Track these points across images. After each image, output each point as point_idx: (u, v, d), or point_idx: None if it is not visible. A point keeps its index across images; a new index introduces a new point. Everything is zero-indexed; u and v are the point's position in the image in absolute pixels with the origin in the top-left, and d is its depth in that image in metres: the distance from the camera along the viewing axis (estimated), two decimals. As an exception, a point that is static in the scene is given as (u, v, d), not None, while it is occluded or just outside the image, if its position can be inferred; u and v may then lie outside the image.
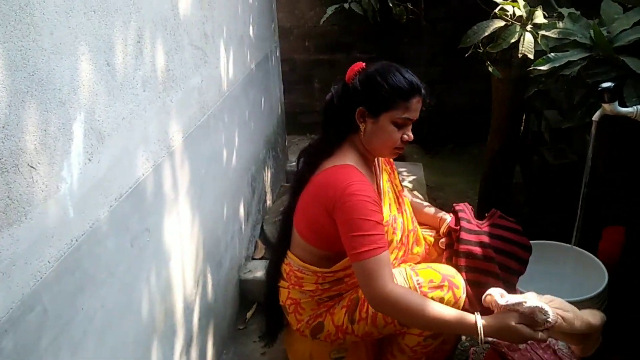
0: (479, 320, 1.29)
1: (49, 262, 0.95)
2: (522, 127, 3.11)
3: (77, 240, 1.03)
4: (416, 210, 1.78)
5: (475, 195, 2.92)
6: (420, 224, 1.76)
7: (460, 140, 4.07)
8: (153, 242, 1.36)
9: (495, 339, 1.51)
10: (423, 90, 1.45)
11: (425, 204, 1.85)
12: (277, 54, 3.04)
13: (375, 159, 1.61)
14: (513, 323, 1.29)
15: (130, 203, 1.24)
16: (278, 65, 3.06)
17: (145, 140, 1.32)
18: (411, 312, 1.31)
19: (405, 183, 2.99)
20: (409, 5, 3.44)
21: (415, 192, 2.82)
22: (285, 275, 1.59)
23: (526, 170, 3.32)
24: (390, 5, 3.32)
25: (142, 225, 1.30)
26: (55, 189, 0.98)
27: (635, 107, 1.57)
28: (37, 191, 0.93)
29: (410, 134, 1.45)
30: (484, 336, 1.28)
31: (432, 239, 1.75)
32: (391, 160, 1.74)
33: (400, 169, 3.17)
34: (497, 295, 1.32)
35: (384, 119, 1.42)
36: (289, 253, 1.59)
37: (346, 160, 1.45)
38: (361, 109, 1.43)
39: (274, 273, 1.64)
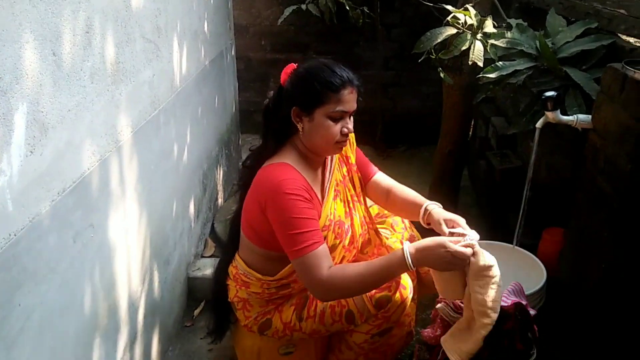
0: (405, 246, 1.33)
1: (-16, 256, 0.91)
2: (470, 132, 3.22)
3: (15, 235, 0.99)
4: (399, 203, 1.69)
5: (425, 197, 3.00)
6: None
7: (412, 143, 4.15)
8: (97, 238, 1.32)
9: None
10: (356, 81, 1.44)
11: (410, 193, 1.71)
12: (233, 52, 3.02)
13: (327, 160, 1.59)
14: (437, 240, 1.34)
15: (74, 198, 1.20)
16: (233, 63, 3.03)
17: (91, 134, 1.28)
18: (353, 286, 1.36)
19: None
20: (366, 10, 3.49)
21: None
22: (232, 277, 1.59)
23: (474, 173, 3.44)
24: (347, 8, 3.36)
25: (86, 220, 1.26)
26: (-7, 181, 0.94)
27: (575, 116, 1.67)
28: (-27, 183, 0.89)
29: (350, 126, 1.44)
30: (412, 260, 1.31)
31: (385, 239, 1.75)
32: (351, 162, 1.69)
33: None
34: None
35: (319, 115, 1.41)
36: (236, 256, 1.59)
37: (282, 159, 1.45)
38: (295, 109, 1.42)
39: (223, 272, 1.64)
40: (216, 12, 2.56)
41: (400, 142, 4.16)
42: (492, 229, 2.76)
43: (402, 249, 1.34)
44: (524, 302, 1.50)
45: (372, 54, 3.88)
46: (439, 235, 1.47)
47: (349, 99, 1.42)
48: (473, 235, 1.41)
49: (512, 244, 1.96)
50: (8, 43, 0.97)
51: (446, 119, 2.69)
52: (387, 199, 1.71)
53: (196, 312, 2.06)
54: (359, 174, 1.72)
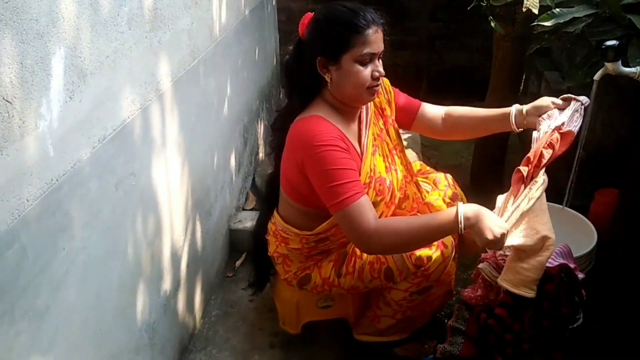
0: (460, 208, 1.26)
1: (27, 200, 0.92)
2: (521, 87, 3.06)
3: (57, 180, 1.00)
4: (469, 122, 1.66)
5: (470, 155, 2.89)
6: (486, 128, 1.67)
7: (459, 98, 3.99)
8: (139, 186, 1.33)
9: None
10: (380, 19, 1.33)
11: (476, 110, 1.69)
12: (273, 2, 2.93)
13: (362, 113, 1.50)
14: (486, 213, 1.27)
15: (115, 145, 1.20)
16: (274, 13, 2.96)
17: (131, 81, 1.27)
18: (399, 241, 1.30)
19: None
20: (411, -46, 3.30)
21: (410, 150, 2.79)
22: (272, 233, 1.58)
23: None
24: (394, -47, 3.19)
25: (128, 169, 1.27)
26: (34, 125, 0.94)
27: (638, 68, 1.53)
28: (14, 126, 0.89)
29: (381, 69, 1.35)
30: (465, 224, 1.25)
31: (426, 193, 1.70)
32: (387, 113, 1.61)
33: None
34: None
35: (346, 61, 1.31)
36: (275, 213, 1.58)
37: (312, 112, 1.38)
38: (321, 59, 1.33)
39: (261, 228, 1.64)
40: (257, -41, 2.48)
41: (446, 98, 4.00)
42: (549, 189, 2.64)
43: (457, 210, 1.25)
44: (571, 265, 1.43)
45: (419, 4, 3.70)
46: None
47: (376, 39, 1.31)
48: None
49: (561, 204, 1.87)
50: (42, -16, 0.95)
51: (495, 74, 2.54)
52: (445, 121, 1.65)
53: (238, 263, 2.10)
54: (395, 125, 1.64)
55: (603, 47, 1.54)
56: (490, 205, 1.71)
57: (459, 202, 1.31)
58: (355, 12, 1.31)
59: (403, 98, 1.65)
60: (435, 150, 3.32)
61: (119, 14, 1.21)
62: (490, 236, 1.22)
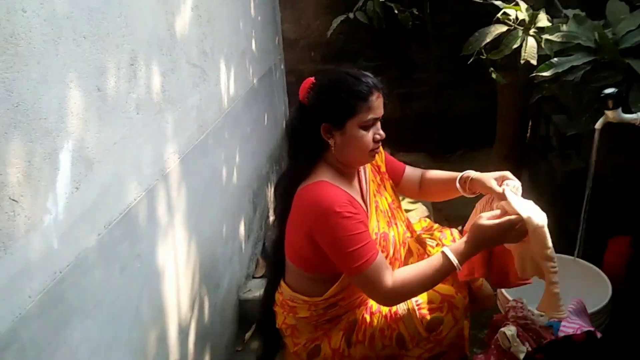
0: (447, 252, 1.33)
1: (29, 296, 0.92)
2: (528, 133, 3.05)
3: (61, 272, 1.00)
4: (433, 184, 1.68)
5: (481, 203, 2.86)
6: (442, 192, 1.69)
7: (470, 145, 3.99)
8: (144, 268, 1.33)
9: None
10: (380, 85, 1.38)
11: (439, 173, 1.73)
12: (282, 67, 3.02)
13: (361, 171, 1.54)
14: (482, 221, 1.32)
15: (120, 230, 1.21)
16: (282, 77, 3.04)
17: (137, 164, 1.30)
18: (416, 291, 1.36)
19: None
20: (415, 11, 3.39)
21: (420, 204, 2.77)
22: (279, 303, 1.56)
23: (534, 176, 3.26)
24: (396, 12, 3.28)
25: (133, 251, 1.27)
26: (39, 220, 0.95)
27: (639, 114, 1.52)
28: (19, 224, 0.90)
29: (381, 132, 1.39)
30: (458, 257, 1.31)
31: (431, 249, 1.69)
32: (382, 170, 1.65)
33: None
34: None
35: (351, 127, 1.35)
36: (281, 282, 1.56)
37: (318, 177, 1.39)
38: (325, 125, 1.36)
39: (269, 298, 1.61)
40: (264, 29, 2.57)
41: (457, 146, 4.01)
42: (553, 237, 2.58)
43: (443, 251, 1.33)
44: (592, 328, 1.38)
45: (425, 56, 3.78)
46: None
47: (378, 104, 1.37)
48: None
49: (573, 255, 1.81)
50: (53, 84, 0.98)
51: (501, 121, 2.55)
52: (420, 186, 1.68)
53: (247, 335, 2.05)
54: (391, 181, 1.67)
55: (602, 95, 1.54)
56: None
57: (444, 247, 1.36)
58: (360, 80, 1.35)
59: (390, 160, 1.69)
60: (447, 202, 3.28)
61: (127, 100, 1.25)
62: (497, 240, 1.33)
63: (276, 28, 2.88)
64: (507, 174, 1.50)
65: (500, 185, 1.45)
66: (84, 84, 1.08)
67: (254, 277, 2.26)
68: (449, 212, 3.11)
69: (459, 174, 1.59)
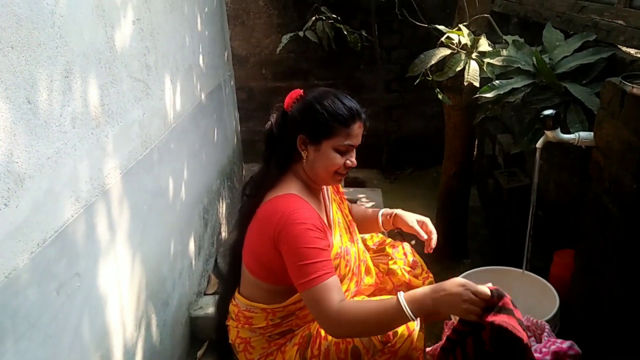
0: (400, 296, 1.24)
1: (-49, 320, 0.87)
2: (474, 152, 3.15)
3: (-12, 294, 0.95)
4: (359, 218, 1.74)
5: (433, 220, 2.92)
6: (366, 231, 1.75)
7: (419, 164, 4.11)
8: (84, 287, 1.28)
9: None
10: (363, 115, 1.43)
11: (370, 209, 1.80)
12: (232, 83, 3.01)
13: (324, 189, 1.58)
14: (461, 291, 1.20)
15: (57, 248, 1.16)
16: (233, 94, 3.03)
17: (74, 180, 1.25)
18: (360, 326, 1.27)
19: (363, 210, 2.98)
20: (364, 33, 3.48)
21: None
22: (233, 316, 1.54)
23: (483, 193, 3.36)
24: (345, 33, 3.36)
25: (71, 270, 1.22)
26: (-38, 239, 0.91)
27: (577, 134, 1.60)
28: (-61, 243, 0.86)
29: (354, 160, 1.43)
30: (411, 308, 1.21)
31: (385, 267, 1.72)
32: (340, 190, 1.72)
33: (360, 195, 3.17)
34: None
35: (326, 146, 1.39)
36: (236, 294, 1.54)
37: (289, 189, 1.41)
38: (302, 137, 1.40)
39: (223, 311, 1.59)
40: (212, 44, 2.56)
41: (406, 164, 4.11)
42: (503, 251, 2.67)
43: (396, 297, 1.25)
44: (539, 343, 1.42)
45: (374, 77, 3.87)
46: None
47: (357, 133, 1.42)
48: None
49: (521, 268, 1.88)
50: (-23, 95, 0.95)
51: (449, 140, 2.63)
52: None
53: (199, 353, 2.00)
54: (347, 202, 1.73)
55: (541, 116, 1.62)
56: (454, 273, 1.73)
57: (398, 292, 1.28)
58: (344, 104, 1.39)
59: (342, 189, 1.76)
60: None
61: (61, 114, 1.21)
62: (460, 306, 1.19)
63: (225, 44, 2.88)
64: (427, 221, 1.62)
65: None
66: (12, 95, 1.04)
67: (205, 294, 2.21)
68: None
69: (381, 210, 1.69)
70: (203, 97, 2.36)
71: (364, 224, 1.75)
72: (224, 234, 2.61)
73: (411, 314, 1.22)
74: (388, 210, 1.68)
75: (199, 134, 2.26)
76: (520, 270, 1.85)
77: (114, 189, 1.44)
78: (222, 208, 2.61)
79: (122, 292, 1.48)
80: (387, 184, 3.86)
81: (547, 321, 1.62)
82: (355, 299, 1.54)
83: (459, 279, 1.25)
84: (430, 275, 1.76)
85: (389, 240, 1.86)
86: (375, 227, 1.73)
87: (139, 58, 1.64)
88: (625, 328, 1.38)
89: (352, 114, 1.39)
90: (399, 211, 1.67)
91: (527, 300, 1.79)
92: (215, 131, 2.55)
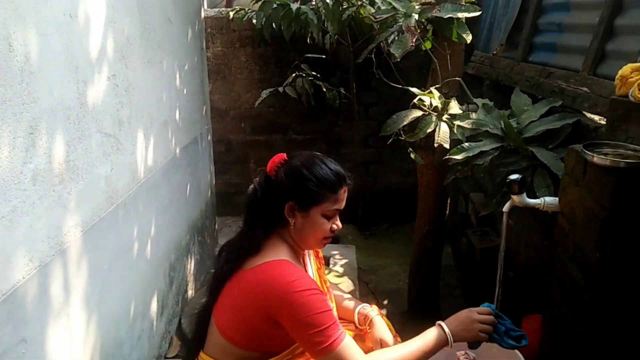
0: (444, 325, 1.37)
1: None
2: (447, 210, 3.17)
3: None
4: (337, 303, 1.71)
5: (407, 277, 2.90)
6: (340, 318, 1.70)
7: (394, 220, 4.11)
8: (30, 354, 1.21)
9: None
10: (348, 180, 1.44)
11: (346, 296, 1.79)
12: (209, 137, 3.02)
13: (306, 253, 1.55)
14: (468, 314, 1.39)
15: (3, 312, 1.10)
16: (209, 147, 3.03)
17: (30, 239, 1.21)
18: None
19: (336, 267, 2.94)
20: (342, 90, 3.57)
21: (346, 278, 2.76)
22: None
23: (456, 251, 3.36)
24: (324, 89, 3.44)
25: (17, 335, 1.16)
26: None
27: (542, 199, 1.62)
28: None
29: (339, 223, 1.43)
30: (453, 336, 1.35)
31: (352, 333, 1.68)
32: (320, 255, 1.69)
33: (333, 252, 3.13)
34: None
35: (315, 213, 1.38)
36: (202, 355, 1.47)
37: (279, 255, 1.38)
38: (291, 204, 1.38)
39: None
40: (190, 99, 2.58)
41: (382, 220, 4.12)
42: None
43: (440, 326, 1.36)
44: None
45: (351, 133, 3.94)
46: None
47: (344, 198, 1.42)
48: None
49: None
50: None
51: (422, 198, 2.65)
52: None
53: (157, 421, 1.89)
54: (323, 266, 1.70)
55: (507, 181, 1.64)
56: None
57: (438, 323, 1.39)
58: (337, 174, 1.40)
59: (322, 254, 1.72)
60: (373, 275, 3.31)
61: (22, 171, 1.18)
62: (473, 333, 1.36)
63: (204, 99, 2.90)
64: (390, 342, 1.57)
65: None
66: (-31, 154, 1.02)
67: (166, 358, 2.11)
68: (375, 285, 3.13)
69: (360, 306, 1.67)
70: (177, 151, 2.35)
71: (338, 309, 1.69)
72: (190, 292, 2.53)
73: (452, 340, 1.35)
74: (364, 310, 1.64)
75: (170, 188, 2.24)
76: (486, 337, 1.81)
77: (72, 247, 1.39)
78: (191, 265, 2.55)
79: (72, 358, 1.40)
80: (362, 240, 3.84)
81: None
82: None
83: (465, 311, 1.39)
84: (399, 338, 1.72)
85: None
86: (347, 316, 1.70)
87: (111, 113, 1.64)
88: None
89: (339, 179, 1.39)
90: (375, 318, 1.62)
91: (495, 367, 1.75)
92: (188, 185, 2.53)
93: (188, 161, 2.54)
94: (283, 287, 1.29)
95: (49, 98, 1.29)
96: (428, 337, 1.35)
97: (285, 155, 1.46)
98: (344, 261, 3.00)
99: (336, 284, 1.84)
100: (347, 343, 1.29)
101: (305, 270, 1.52)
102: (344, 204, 1.43)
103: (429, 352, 1.35)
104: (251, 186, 1.47)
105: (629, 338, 1.28)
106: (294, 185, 1.38)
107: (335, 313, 1.52)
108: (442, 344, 1.35)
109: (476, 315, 1.37)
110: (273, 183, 1.42)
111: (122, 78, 1.72)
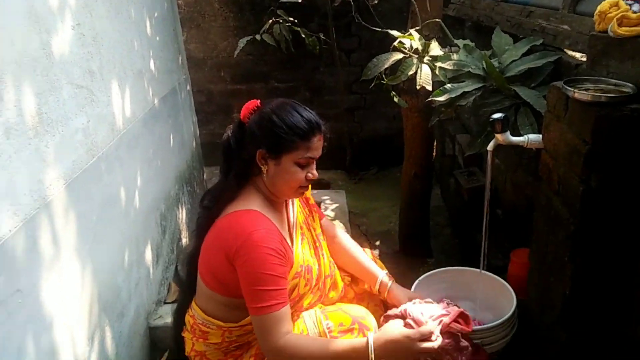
0: (370, 338, 1.31)
1: None
2: (434, 152, 3.19)
3: None
4: (347, 259, 1.70)
5: (397, 219, 2.95)
6: (345, 271, 1.70)
7: (383, 164, 4.13)
8: (27, 303, 1.22)
9: None
10: (323, 127, 1.41)
11: (359, 252, 1.72)
12: (188, 87, 2.95)
13: (289, 202, 1.55)
14: (398, 334, 1.32)
15: (-8, 265, 1.10)
16: (189, 98, 2.97)
17: (11, 193, 1.19)
18: None
19: (327, 212, 2.97)
20: (322, 36, 3.48)
21: (338, 221, 2.80)
22: (189, 327, 1.50)
23: (445, 192, 3.41)
24: (303, 35, 3.35)
25: (11, 287, 1.16)
26: None
27: (526, 137, 1.62)
28: None
29: (315, 172, 1.41)
30: (374, 354, 1.29)
31: (348, 279, 1.71)
32: (311, 202, 1.68)
33: (324, 197, 3.15)
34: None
35: (286, 160, 1.36)
36: (193, 304, 1.50)
37: (250, 204, 1.38)
38: (262, 151, 1.37)
39: (180, 321, 1.55)
40: (164, 48, 2.50)
41: (370, 165, 4.13)
42: (466, 250, 2.71)
43: (367, 341, 1.31)
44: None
45: (334, 79, 3.88)
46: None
47: (318, 146, 1.40)
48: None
49: (479, 268, 1.90)
50: None
51: (408, 142, 2.65)
52: (332, 245, 1.70)
53: (159, 363, 1.95)
54: (318, 214, 1.69)
55: (490, 120, 1.64)
56: (418, 272, 1.72)
57: (368, 333, 1.36)
58: (304, 117, 1.37)
59: (313, 200, 1.71)
60: (364, 218, 3.36)
61: (-7, 125, 1.15)
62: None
63: (179, 48, 2.81)
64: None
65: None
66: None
67: (165, 303, 2.15)
68: (366, 228, 3.18)
69: (379, 274, 1.65)
70: (156, 102, 2.30)
71: (352, 268, 1.70)
72: (184, 240, 2.56)
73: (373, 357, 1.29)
74: (386, 282, 1.63)
75: (152, 139, 2.20)
76: (478, 270, 1.86)
77: (57, 200, 1.38)
78: (182, 214, 2.56)
79: (70, 306, 1.42)
80: (351, 185, 3.87)
81: (504, 322, 1.64)
82: (314, 308, 1.52)
83: (407, 332, 1.33)
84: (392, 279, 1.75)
85: None
86: (364, 279, 1.68)
87: (80, 64, 1.58)
88: (577, 329, 1.41)
89: (311, 126, 1.37)
90: (391, 285, 1.63)
91: (486, 299, 1.81)
92: (171, 136, 2.50)
93: (168, 112, 2.49)
94: (242, 236, 1.30)
95: (11, 50, 1.23)
96: (354, 347, 1.32)
97: (258, 101, 1.43)
98: (334, 205, 3.03)
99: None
100: (279, 315, 1.29)
101: (287, 222, 1.51)
102: (319, 152, 1.41)
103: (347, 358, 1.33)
104: (225, 134, 1.45)
105: (613, 266, 1.33)
106: (265, 133, 1.36)
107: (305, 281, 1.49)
108: (363, 356, 1.31)
109: (417, 345, 1.30)
110: (245, 130, 1.41)
111: (87, 27, 1.65)
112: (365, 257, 1.69)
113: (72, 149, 1.49)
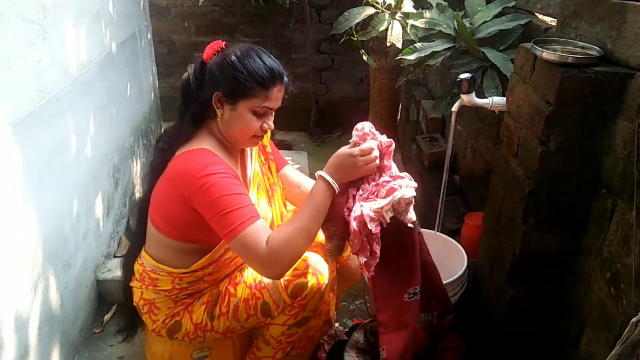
0: (320, 172, 1.33)
1: None
2: (399, 117, 3.19)
3: None
4: (292, 190, 1.66)
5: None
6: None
7: (347, 128, 4.10)
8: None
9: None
10: (285, 78, 1.37)
11: (302, 181, 1.68)
12: (149, 35, 2.81)
13: (248, 154, 1.51)
14: (341, 153, 1.34)
15: None
16: (150, 46, 2.83)
17: (-52, 128, 1.11)
18: (299, 241, 1.27)
19: (288, 172, 2.94)
20: (292, -10, 3.37)
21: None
22: (138, 276, 1.46)
23: (406, 158, 3.43)
24: (272, -12, 3.23)
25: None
26: None
27: (490, 99, 1.63)
28: None
29: (271, 123, 1.38)
30: (332, 179, 1.31)
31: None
32: (267, 150, 1.64)
33: (286, 158, 3.12)
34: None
35: (242, 107, 1.32)
36: (142, 252, 1.46)
37: (202, 144, 1.34)
38: (219, 94, 1.32)
39: (129, 272, 1.51)
40: (124, -10, 2.36)
41: (335, 128, 4.10)
42: (426, 214, 2.75)
43: (319, 175, 1.32)
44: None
45: (303, 37, 3.78)
46: None
47: (277, 97, 1.36)
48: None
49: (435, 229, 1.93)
50: None
51: (373, 104, 2.64)
52: (297, 195, 1.65)
53: (107, 317, 1.91)
54: (275, 163, 1.65)
55: (457, 80, 1.63)
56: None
57: (317, 172, 1.36)
58: (270, 69, 1.32)
59: (275, 150, 1.66)
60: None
61: None
62: (357, 168, 1.32)
63: (140, -8, 2.67)
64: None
65: None
66: None
67: (115, 257, 2.10)
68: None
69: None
70: (114, 47, 2.18)
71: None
72: (137, 195, 2.48)
73: (333, 181, 1.31)
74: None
75: (108, 86, 2.10)
76: (433, 232, 1.90)
77: (0, 141, 1.29)
78: (137, 167, 2.47)
79: (12, 253, 1.36)
80: (314, 147, 3.84)
81: (455, 280, 1.68)
82: None
83: (342, 149, 1.35)
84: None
85: None
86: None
87: (32, -3, 1.47)
88: (523, 287, 1.46)
89: (272, 75, 1.32)
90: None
91: (440, 259, 1.85)
92: (128, 85, 2.38)
93: (126, 59, 2.37)
94: (194, 172, 1.27)
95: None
96: (316, 196, 1.31)
97: (224, 43, 1.38)
98: (296, 167, 2.98)
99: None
100: (255, 228, 1.25)
101: (242, 167, 1.49)
102: (277, 103, 1.38)
103: (322, 208, 1.32)
104: (186, 72, 1.40)
105: (561, 228, 1.36)
106: (224, 75, 1.32)
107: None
108: (331, 194, 1.32)
109: (359, 159, 1.32)
110: (206, 71, 1.35)
111: (43, -43, 1.52)
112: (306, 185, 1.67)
113: (20, 87, 1.39)
